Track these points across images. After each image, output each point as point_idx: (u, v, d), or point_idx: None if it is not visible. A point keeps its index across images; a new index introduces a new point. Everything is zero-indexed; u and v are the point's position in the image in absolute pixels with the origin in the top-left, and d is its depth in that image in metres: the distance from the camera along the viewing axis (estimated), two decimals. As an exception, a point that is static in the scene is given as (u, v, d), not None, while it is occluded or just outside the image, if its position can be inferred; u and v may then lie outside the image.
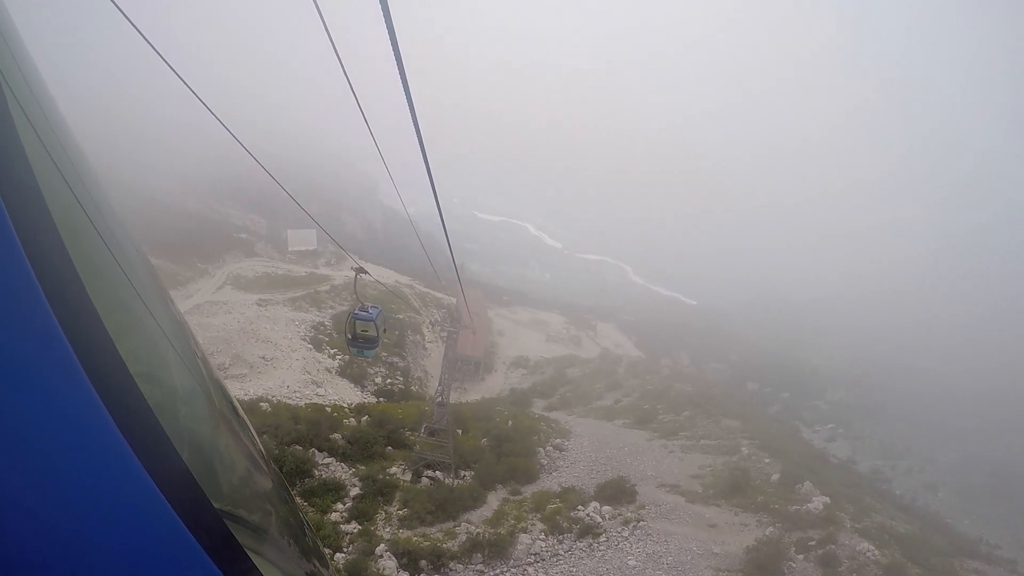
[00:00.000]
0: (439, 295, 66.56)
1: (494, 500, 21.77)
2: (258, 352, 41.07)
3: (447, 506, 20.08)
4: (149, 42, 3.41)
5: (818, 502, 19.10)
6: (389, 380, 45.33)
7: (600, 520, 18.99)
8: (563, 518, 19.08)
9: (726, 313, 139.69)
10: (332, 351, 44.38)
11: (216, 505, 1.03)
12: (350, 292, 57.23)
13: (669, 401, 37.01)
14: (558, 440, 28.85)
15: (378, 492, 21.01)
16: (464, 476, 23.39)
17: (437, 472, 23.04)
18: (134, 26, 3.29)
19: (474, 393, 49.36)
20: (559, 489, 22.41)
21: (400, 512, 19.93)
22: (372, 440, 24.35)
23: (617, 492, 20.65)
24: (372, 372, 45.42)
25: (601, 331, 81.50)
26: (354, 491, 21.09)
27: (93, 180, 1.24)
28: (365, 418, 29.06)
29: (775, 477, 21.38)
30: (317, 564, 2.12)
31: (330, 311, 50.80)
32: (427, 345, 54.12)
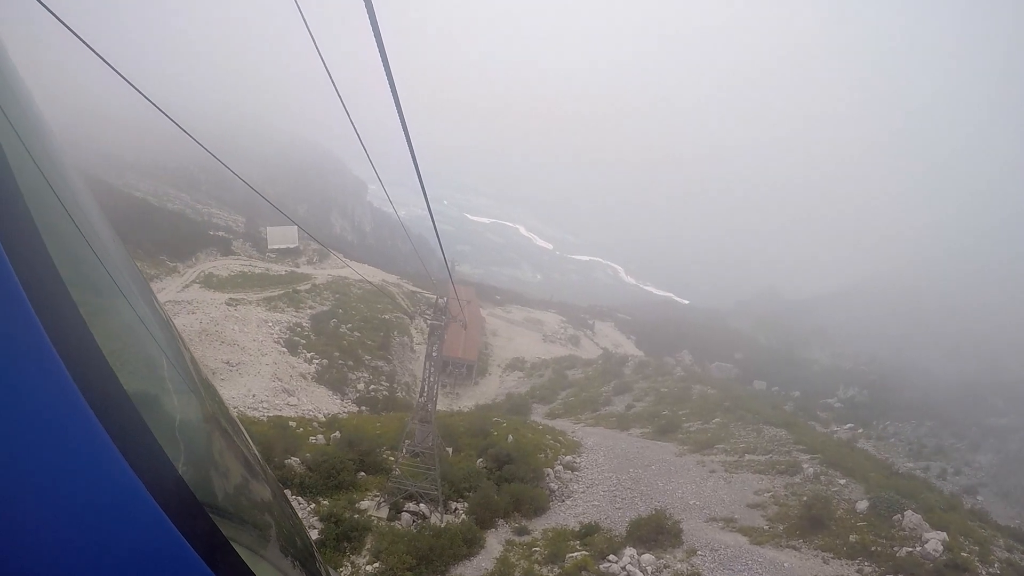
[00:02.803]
0: (429, 295, 61.92)
1: (495, 543, 16.63)
2: (222, 357, 36.28)
3: (433, 557, 14.87)
4: (78, 35, 2.88)
5: (934, 540, 14.14)
6: (372, 386, 40.86)
7: None
8: (591, 574, 14.01)
9: (722, 312, 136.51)
10: (309, 355, 39.91)
11: (210, 510, 1.00)
12: (333, 292, 53.85)
13: (692, 406, 32.03)
14: (568, 457, 23.87)
15: (343, 537, 15.84)
16: (455, 509, 18.21)
17: (421, 505, 17.90)
18: (58, 19, 2.66)
19: (467, 399, 44.89)
20: (578, 526, 17.30)
21: (371, 568, 14.77)
22: (340, 465, 19.07)
23: (656, 532, 15.58)
24: (354, 378, 40.78)
25: (599, 330, 77.10)
26: (312, 535, 15.93)
27: (74, 178, 1.21)
28: (336, 434, 24.02)
29: (862, 505, 16.33)
30: (314, 569, 1.98)
31: (309, 311, 46.89)
32: (415, 347, 49.91)
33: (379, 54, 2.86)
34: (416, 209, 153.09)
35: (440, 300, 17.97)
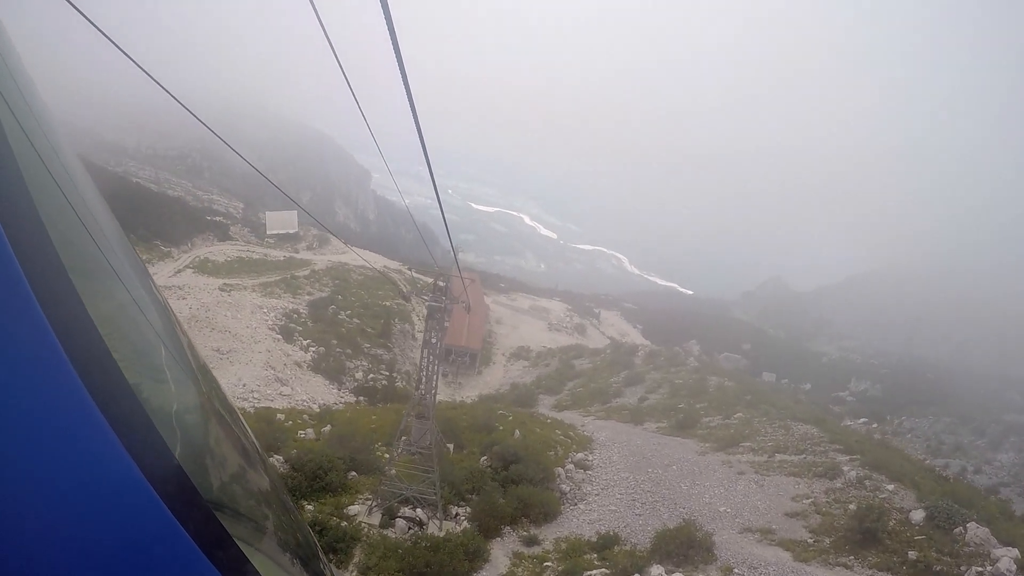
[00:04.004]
0: (431, 280, 60.01)
1: (501, 555, 14.74)
2: (212, 344, 34.43)
3: (430, 574, 12.99)
4: (95, 24, 2.85)
5: (1006, 558, 12.22)
6: (371, 375, 39.01)
7: (672, 598, 12.05)
8: (614, 596, 12.14)
9: (726, 303, 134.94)
10: (305, 342, 38.11)
11: (209, 500, 1.00)
12: (333, 277, 51.96)
13: (709, 399, 30.11)
14: (580, 454, 22.00)
15: (328, 548, 14.00)
16: (456, 515, 16.34)
17: (418, 510, 16.02)
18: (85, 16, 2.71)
19: (470, 389, 43.09)
20: (594, 536, 15.41)
21: (359, 584, 12.93)
22: (328, 464, 17.16)
23: (686, 545, 13.68)
24: (352, 366, 38.97)
25: (605, 319, 75.43)
26: (296, 543, 14.06)
27: (74, 164, 1.21)
28: (327, 428, 22.20)
29: (918, 515, 14.39)
30: (312, 560, 1.94)
31: (307, 297, 45.24)
32: (417, 335, 48.08)
33: (391, 42, 2.86)
34: (419, 198, 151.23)
35: (440, 281, 15.96)
